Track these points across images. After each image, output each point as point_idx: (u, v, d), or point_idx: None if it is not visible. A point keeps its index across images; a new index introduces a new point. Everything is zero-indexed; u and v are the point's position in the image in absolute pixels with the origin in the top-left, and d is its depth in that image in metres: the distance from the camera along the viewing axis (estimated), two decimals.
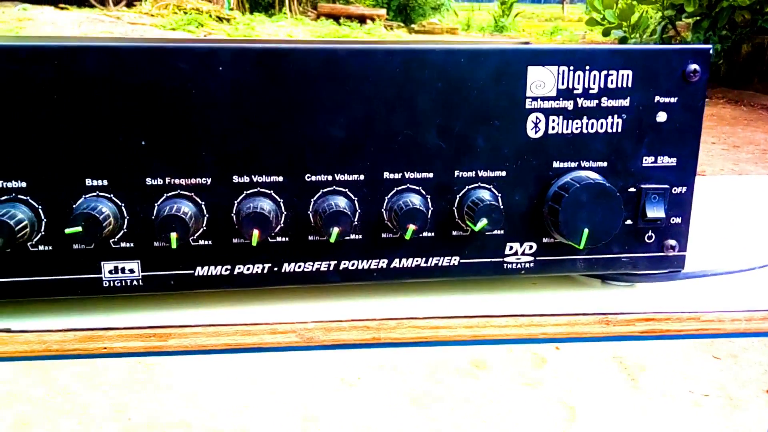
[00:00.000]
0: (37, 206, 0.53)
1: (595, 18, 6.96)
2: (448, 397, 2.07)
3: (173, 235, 0.53)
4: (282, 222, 0.56)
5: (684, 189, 0.61)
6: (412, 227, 0.54)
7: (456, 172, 0.57)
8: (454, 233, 0.59)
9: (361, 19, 12.80)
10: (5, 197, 0.53)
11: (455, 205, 0.58)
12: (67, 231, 0.51)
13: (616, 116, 0.58)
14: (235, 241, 0.57)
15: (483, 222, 0.55)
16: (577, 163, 0.58)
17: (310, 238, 0.57)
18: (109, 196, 0.54)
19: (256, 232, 0.53)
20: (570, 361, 2.28)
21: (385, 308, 0.59)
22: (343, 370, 2.19)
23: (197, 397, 2.05)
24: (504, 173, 0.58)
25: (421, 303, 0.60)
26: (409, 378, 2.16)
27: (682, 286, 0.64)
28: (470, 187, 0.58)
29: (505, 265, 0.60)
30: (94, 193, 0.54)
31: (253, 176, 0.55)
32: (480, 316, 0.58)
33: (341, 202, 0.56)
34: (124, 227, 0.55)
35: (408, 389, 2.10)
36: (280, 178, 0.56)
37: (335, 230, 0.54)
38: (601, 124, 0.58)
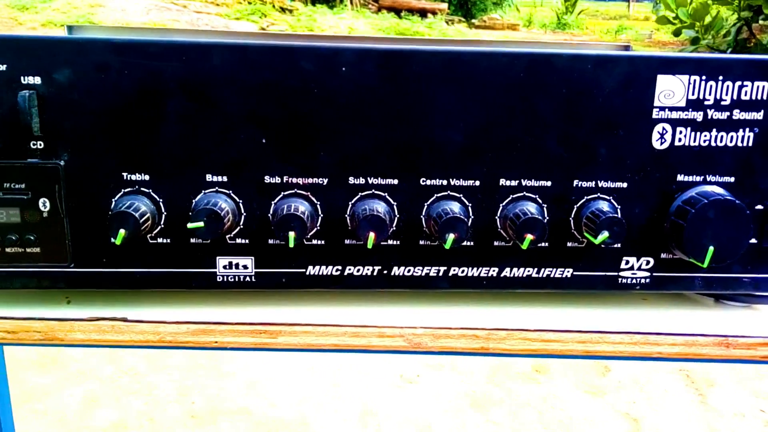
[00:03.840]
0: (158, 199, 0.54)
1: (667, 16, 6.75)
2: (509, 401, 2.04)
3: (291, 234, 0.53)
4: (394, 225, 0.56)
5: None
6: (529, 237, 0.53)
7: (575, 182, 0.56)
8: (569, 244, 0.57)
9: (422, 13, 12.74)
10: (128, 189, 0.54)
11: (572, 215, 0.56)
12: (190, 225, 0.52)
13: (747, 129, 0.55)
14: (347, 242, 0.56)
15: (604, 235, 0.53)
16: (702, 177, 0.56)
17: (422, 242, 0.57)
18: (228, 192, 0.55)
19: (372, 235, 0.53)
20: (634, 371, 2.22)
21: (493, 317, 0.57)
22: (403, 366, 2.19)
23: (258, 386, 2.08)
24: (625, 184, 0.56)
25: (531, 314, 0.58)
26: (468, 379, 2.15)
27: None
28: (589, 197, 0.56)
29: (619, 279, 0.58)
30: (214, 189, 0.54)
31: (368, 178, 0.55)
32: (594, 331, 0.56)
33: (455, 208, 0.55)
34: (241, 223, 0.55)
35: (468, 390, 2.08)
36: (395, 181, 0.55)
37: (451, 236, 0.53)
38: (731, 137, 0.55)
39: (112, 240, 0.53)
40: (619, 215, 0.55)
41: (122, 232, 0.51)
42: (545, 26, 15.78)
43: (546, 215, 0.56)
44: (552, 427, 1.94)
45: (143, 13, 10.45)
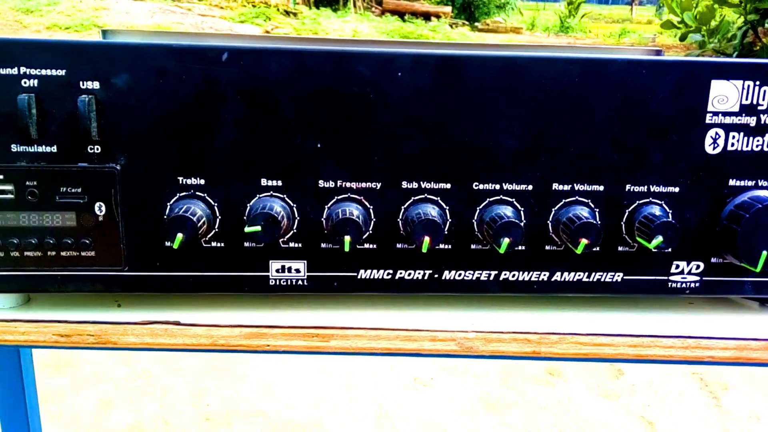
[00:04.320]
0: (213, 203, 0.54)
1: (672, 21, 6.75)
2: (523, 404, 2.04)
3: (347, 239, 0.53)
4: (446, 229, 0.56)
5: None
6: (584, 241, 0.53)
7: (627, 186, 0.56)
8: (620, 249, 0.57)
9: (426, 16, 12.76)
10: (184, 193, 0.54)
11: (624, 219, 0.56)
12: (247, 230, 0.52)
13: None
14: (399, 246, 0.56)
15: (658, 239, 0.53)
16: (754, 182, 0.56)
17: (473, 246, 0.57)
18: (282, 196, 0.55)
19: (427, 239, 0.53)
20: (647, 374, 2.21)
21: (544, 321, 0.58)
22: (416, 369, 2.19)
23: (273, 388, 2.08)
24: (677, 189, 0.56)
25: (581, 318, 0.58)
26: (482, 382, 2.14)
27: None
28: (641, 202, 0.56)
29: (669, 284, 0.58)
30: (268, 193, 0.55)
31: (421, 182, 0.55)
32: (645, 335, 0.56)
33: (508, 212, 0.55)
34: (294, 228, 0.55)
35: (482, 393, 2.08)
36: (448, 185, 0.55)
37: (506, 241, 0.53)
38: None
39: (170, 244, 0.53)
40: (670, 219, 0.55)
41: (180, 236, 0.51)
42: (548, 29, 15.79)
43: (598, 220, 0.56)
44: (567, 430, 1.94)
45: (147, 16, 10.46)
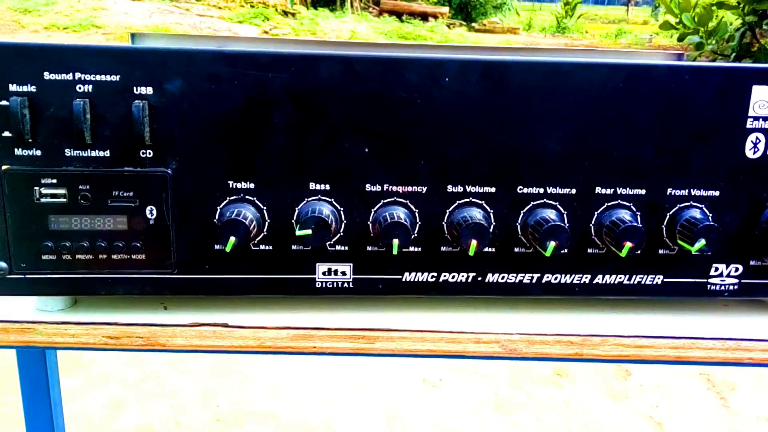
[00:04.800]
0: (262, 207, 0.55)
1: (670, 22, 6.78)
2: (532, 405, 2.05)
3: (395, 242, 0.53)
4: (490, 232, 0.57)
5: None
6: (628, 245, 0.54)
7: (668, 190, 0.57)
8: (661, 252, 0.58)
9: (423, 17, 12.78)
10: (234, 197, 0.55)
11: (664, 223, 0.57)
12: (298, 233, 0.53)
13: None
14: (443, 249, 0.57)
15: (701, 243, 0.54)
16: None
17: (516, 249, 0.58)
18: (329, 200, 0.55)
19: (474, 242, 0.54)
20: (655, 375, 2.23)
21: (585, 323, 0.58)
22: (425, 370, 2.20)
23: (282, 389, 2.09)
24: (717, 193, 0.57)
25: (621, 320, 0.59)
26: (491, 382, 2.15)
27: None
28: (682, 205, 0.57)
29: (708, 286, 0.59)
30: (316, 197, 0.55)
31: (466, 186, 0.56)
32: (686, 337, 0.57)
33: (552, 215, 0.56)
34: (341, 231, 0.56)
35: (491, 394, 2.09)
36: (493, 189, 0.56)
37: (552, 244, 0.54)
38: None
39: (219, 247, 0.54)
40: (713, 223, 0.56)
41: (232, 239, 0.52)
42: (545, 30, 15.81)
43: (640, 223, 0.57)
44: (577, 430, 1.95)
45: (146, 17, 10.45)
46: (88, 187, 0.53)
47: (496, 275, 0.58)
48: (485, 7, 16.01)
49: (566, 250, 0.58)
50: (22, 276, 0.55)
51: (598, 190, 0.57)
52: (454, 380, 2.16)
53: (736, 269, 0.59)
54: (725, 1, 5.96)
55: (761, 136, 0.56)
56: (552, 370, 2.23)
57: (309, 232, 0.53)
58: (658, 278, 0.59)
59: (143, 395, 2.05)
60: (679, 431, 1.95)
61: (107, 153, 0.53)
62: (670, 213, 0.57)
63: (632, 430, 1.96)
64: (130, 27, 9.62)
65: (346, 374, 2.16)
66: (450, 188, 0.56)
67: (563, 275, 0.58)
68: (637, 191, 0.57)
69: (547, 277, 0.58)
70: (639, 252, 0.58)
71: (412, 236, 0.56)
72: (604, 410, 2.04)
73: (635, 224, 0.54)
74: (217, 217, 0.55)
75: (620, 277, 0.59)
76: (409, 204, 0.56)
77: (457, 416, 1.98)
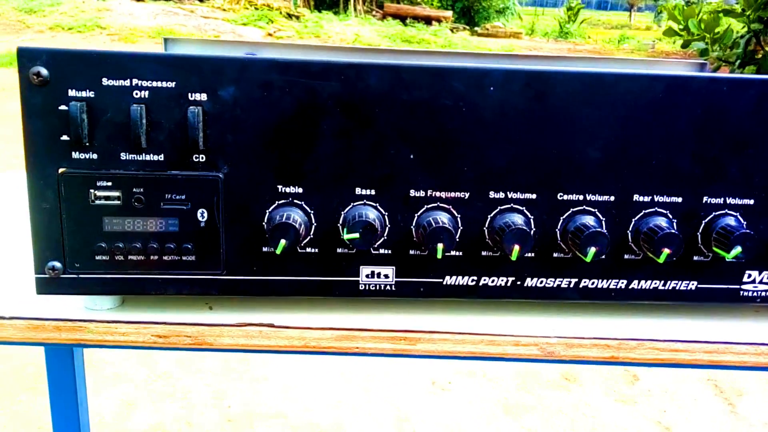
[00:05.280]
0: (309, 211, 0.57)
1: (674, 28, 6.80)
2: (541, 408, 2.07)
3: (440, 246, 0.55)
4: (532, 238, 0.58)
5: None
6: (666, 251, 0.56)
7: (704, 198, 0.58)
8: (695, 258, 0.60)
9: (427, 21, 12.82)
10: (282, 201, 0.56)
11: (699, 230, 0.59)
12: (347, 237, 0.54)
13: None
14: (483, 253, 0.59)
15: (737, 250, 0.56)
16: None
17: (555, 254, 0.59)
18: (375, 205, 0.57)
19: (516, 247, 0.55)
20: (662, 380, 2.24)
21: (621, 327, 0.60)
22: (434, 373, 2.21)
23: (292, 390, 2.10)
24: (752, 201, 0.58)
25: (656, 324, 0.61)
26: (499, 386, 2.17)
27: None
28: (717, 213, 0.58)
29: (741, 292, 0.61)
30: (362, 202, 0.57)
31: (508, 192, 0.57)
32: (720, 342, 0.58)
33: (591, 222, 0.57)
34: (384, 235, 0.58)
35: (500, 397, 2.11)
36: (534, 196, 0.58)
37: (592, 250, 0.55)
38: None
39: (268, 249, 0.55)
40: (748, 231, 0.58)
41: (283, 242, 0.54)
42: (547, 35, 15.83)
43: (676, 230, 0.58)
44: None
45: (150, 18, 10.47)
46: (141, 189, 0.55)
47: (535, 279, 0.60)
48: (488, 11, 16.05)
49: (603, 256, 0.59)
50: (76, 275, 0.56)
51: (636, 197, 0.58)
52: (463, 383, 2.17)
53: None
54: (732, 8, 5.99)
55: None
56: (560, 374, 2.24)
57: (357, 235, 0.54)
58: (692, 284, 0.60)
59: (155, 395, 2.06)
60: None
61: (161, 157, 0.54)
62: (705, 221, 0.59)
63: None
64: (135, 28, 9.64)
65: (354, 376, 2.17)
66: (492, 194, 0.58)
67: (600, 280, 0.60)
68: (674, 199, 0.58)
69: (585, 282, 0.60)
70: (675, 258, 0.59)
71: (455, 241, 0.58)
72: (613, 414, 2.05)
73: (673, 231, 0.56)
74: (265, 220, 0.56)
75: (655, 283, 0.60)
76: (451, 209, 0.58)
77: (466, 419, 2.00)
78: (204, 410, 2.01)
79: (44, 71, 0.52)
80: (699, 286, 0.60)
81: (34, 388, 2.05)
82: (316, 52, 0.71)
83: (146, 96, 0.53)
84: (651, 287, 0.60)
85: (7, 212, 0.85)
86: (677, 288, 0.60)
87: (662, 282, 0.60)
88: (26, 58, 0.52)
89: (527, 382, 2.20)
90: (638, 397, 2.15)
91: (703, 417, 2.06)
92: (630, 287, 0.60)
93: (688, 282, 0.60)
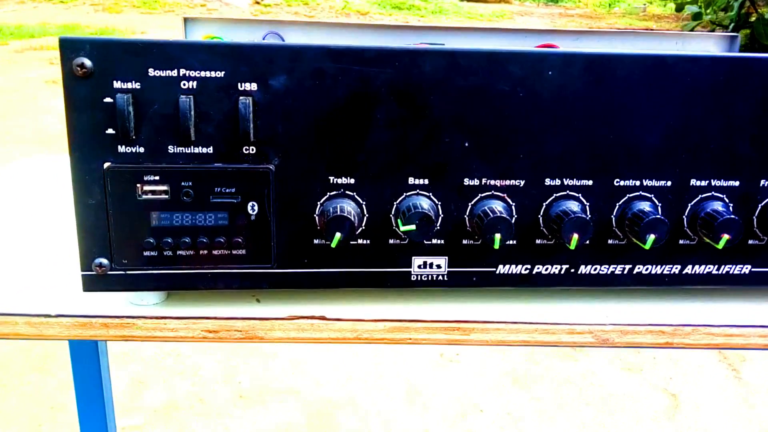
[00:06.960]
0: (361, 202, 0.55)
1: None
2: (549, 378, 2.09)
3: (497, 236, 0.54)
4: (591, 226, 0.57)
5: None
6: (726, 236, 0.55)
7: (762, 182, 0.57)
8: (750, 242, 0.59)
9: None
10: (334, 192, 0.55)
11: (755, 213, 0.58)
12: (403, 228, 0.53)
13: None
14: (537, 242, 0.58)
15: None
16: None
17: (610, 241, 0.58)
18: (428, 194, 0.56)
19: (575, 236, 0.54)
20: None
21: (675, 313, 0.59)
22: (441, 346, 2.22)
23: (302, 366, 2.11)
24: None
25: (710, 309, 0.60)
26: (507, 357, 2.18)
27: None
28: None
29: None
30: (415, 192, 0.55)
31: (564, 179, 0.56)
32: None
33: (647, 207, 0.56)
34: (437, 225, 0.56)
35: (508, 368, 2.12)
36: (590, 182, 0.56)
37: (651, 237, 0.55)
38: None
39: (324, 242, 0.54)
40: None
41: (338, 235, 0.52)
42: None
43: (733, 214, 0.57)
44: (594, 403, 1.98)
45: None
46: (190, 183, 0.53)
47: (589, 267, 0.59)
48: None
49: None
50: (123, 272, 0.55)
51: (693, 182, 0.57)
52: (471, 355, 2.18)
53: None
54: None
55: None
56: None
57: (413, 227, 0.53)
58: (746, 268, 0.60)
59: (165, 373, 2.06)
60: (694, 402, 1.99)
61: (210, 149, 0.52)
62: (762, 204, 0.58)
63: (649, 401, 2.00)
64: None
65: (363, 351, 2.18)
66: (548, 182, 0.56)
67: (654, 266, 0.59)
68: (731, 183, 0.57)
69: (639, 268, 0.59)
70: (734, 243, 0.58)
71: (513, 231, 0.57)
72: (620, 383, 2.07)
73: (733, 217, 0.55)
74: (317, 212, 0.55)
75: (709, 267, 0.59)
76: (506, 197, 0.56)
77: (476, 390, 2.01)
78: (215, 387, 2.01)
79: (88, 62, 0.50)
80: (753, 269, 0.60)
81: (42, 368, 2.05)
82: (354, 32, 0.69)
83: (194, 86, 0.51)
84: (705, 272, 0.60)
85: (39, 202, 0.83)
86: (731, 272, 0.60)
87: (716, 267, 0.59)
88: (69, 48, 0.49)
89: (534, 352, 2.21)
90: (644, 365, 2.17)
91: (709, 383, 2.09)
92: (684, 272, 0.59)
93: (742, 266, 0.60)
